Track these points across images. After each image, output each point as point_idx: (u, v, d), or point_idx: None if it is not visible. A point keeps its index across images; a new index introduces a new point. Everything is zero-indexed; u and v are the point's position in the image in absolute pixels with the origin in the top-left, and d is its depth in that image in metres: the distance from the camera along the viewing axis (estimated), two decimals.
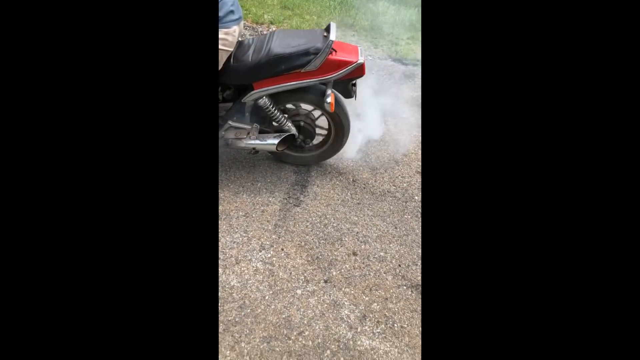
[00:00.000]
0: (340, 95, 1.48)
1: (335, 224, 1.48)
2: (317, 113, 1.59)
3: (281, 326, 1.15)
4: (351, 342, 1.13)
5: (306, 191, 1.61)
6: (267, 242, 1.39)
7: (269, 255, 1.35)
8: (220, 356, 1.08)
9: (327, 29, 1.34)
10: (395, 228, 1.48)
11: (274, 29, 2.87)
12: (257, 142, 1.50)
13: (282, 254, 1.36)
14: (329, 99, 1.33)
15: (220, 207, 1.51)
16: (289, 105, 1.56)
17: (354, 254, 1.39)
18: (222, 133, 1.52)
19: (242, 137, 1.51)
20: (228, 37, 1.29)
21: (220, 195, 1.56)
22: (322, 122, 1.61)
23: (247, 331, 1.13)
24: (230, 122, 1.50)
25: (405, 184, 1.67)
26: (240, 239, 1.40)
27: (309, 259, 1.35)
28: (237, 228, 1.43)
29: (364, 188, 1.64)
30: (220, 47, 1.27)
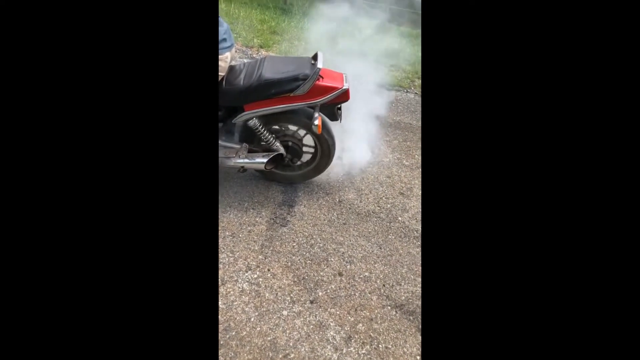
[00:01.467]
0: (326, 118, 1.55)
1: (321, 244, 1.51)
2: (302, 133, 1.65)
3: (267, 349, 1.14)
4: None
5: (293, 211, 1.63)
6: (254, 263, 1.40)
7: (255, 276, 1.35)
8: None
9: (315, 57, 1.42)
10: (380, 248, 1.52)
11: (263, 52, 2.96)
12: (246, 160, 1.55)
13: (269, 275, 1.36)
14: (316, 122, 1.40)
15: None
16: (277, 127, 1.62)
17: (340, 274, 1.40)
18: None
19: (231, 156, 1.55)
20: (220, 63, 1.35)
21: None
22: (309, 141, 1.67)
23: (232, 354, 1.12)
24: (219, 142, 1.54)
25: (389, 205, 1.72)
26: (227, 259, 1.39)
27: (295, 279, 1.36)
28: (223, 248, 1.43)
29: (350, 208, 1.68)
30: None
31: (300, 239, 1.52)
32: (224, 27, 1.39)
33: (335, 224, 1.60)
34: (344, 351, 1.17)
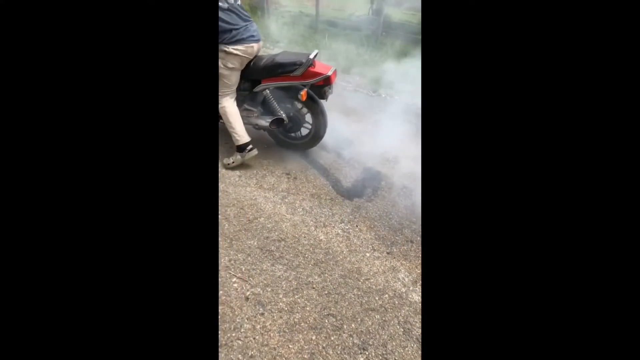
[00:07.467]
0: (319, 100, 2.11)
1: (397, 220, 1.90)
2: (305, 111, 2.21)
3: (353, 272, 1.55)
4: (404, 294, 1.48)
5: (377, 193, 2.07)
6: (346, 219, 1.85)
7: (347, 227, 1.80)
8: (309, 279, 1.50)
9: (312, 53, 2.03)
10: None
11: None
12: (258, 120, 2.21)
13: (357, 229, 1.80)
14: (301, 92, 2.02)
15: (313, 191, 2.04)
16: (288, 104, 2.20)
17: (411, 242, 1.77)
18: (241, 112, 2.21)
19: (250, 116, 2.23)
20: (248, 49, 1.98)
21: (315, 183, 2.09)
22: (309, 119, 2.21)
23: (330, 269, 1.56)
24: (245, 105, 2.23)
25: None
26: (327, 213, 1.88)
27: (376, 236, 1.77)
28: (324, 206, 1.92)
29: None
30: (242, 55, 1.96)
31: (381, 212, 1.94)
32: (254, 26, 2.01)
33: (410, 208, 1.99)
34: (411, 289, 1.51)
